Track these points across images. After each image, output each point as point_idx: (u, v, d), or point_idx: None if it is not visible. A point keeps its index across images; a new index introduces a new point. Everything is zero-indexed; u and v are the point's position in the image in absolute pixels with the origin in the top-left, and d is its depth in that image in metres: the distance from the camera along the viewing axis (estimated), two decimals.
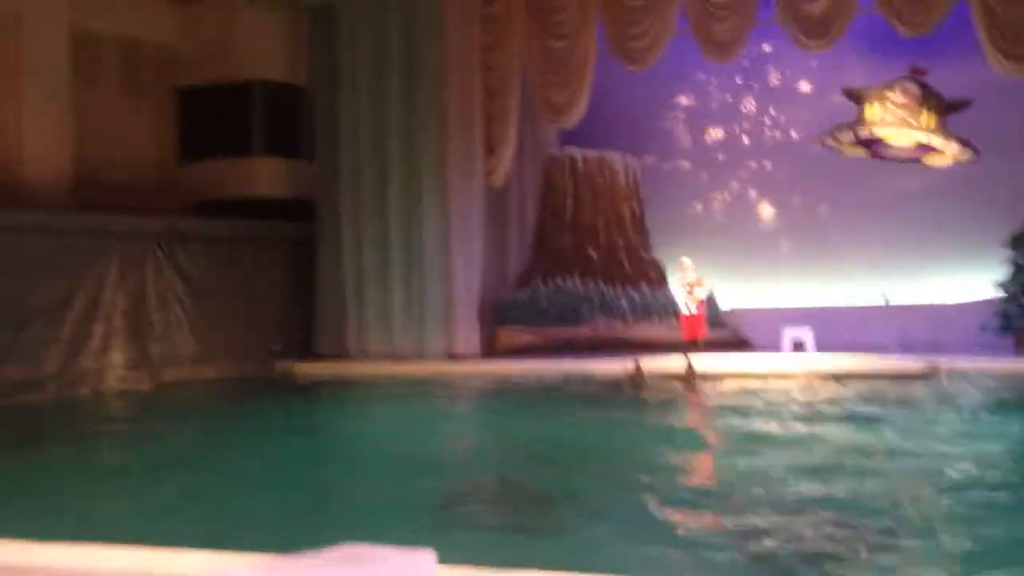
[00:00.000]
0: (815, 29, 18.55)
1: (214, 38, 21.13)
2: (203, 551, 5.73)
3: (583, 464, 10.23)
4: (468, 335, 20.38)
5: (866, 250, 20.60)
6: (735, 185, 22.29)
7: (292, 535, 7.47)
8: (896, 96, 20.17)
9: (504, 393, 16.60)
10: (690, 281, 18.28)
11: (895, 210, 20.50)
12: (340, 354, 20.63)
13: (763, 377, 16.57)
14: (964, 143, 19.82)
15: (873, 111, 20.48)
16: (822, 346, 18.42)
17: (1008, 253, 18.80)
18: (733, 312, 20.58)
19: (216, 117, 21.30)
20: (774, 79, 21.90)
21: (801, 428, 11.78)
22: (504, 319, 21.01)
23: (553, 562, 5.94)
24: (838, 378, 15.99)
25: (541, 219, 22.40)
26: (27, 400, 16.16)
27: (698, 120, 22.48)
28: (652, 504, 8.18)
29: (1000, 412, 13.09)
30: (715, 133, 22.42)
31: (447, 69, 20.19)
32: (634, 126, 22.24)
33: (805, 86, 21.75)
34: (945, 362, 16.53)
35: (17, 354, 16.41)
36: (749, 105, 22.14)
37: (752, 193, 22.18)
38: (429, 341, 20.15)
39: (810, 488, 8.56)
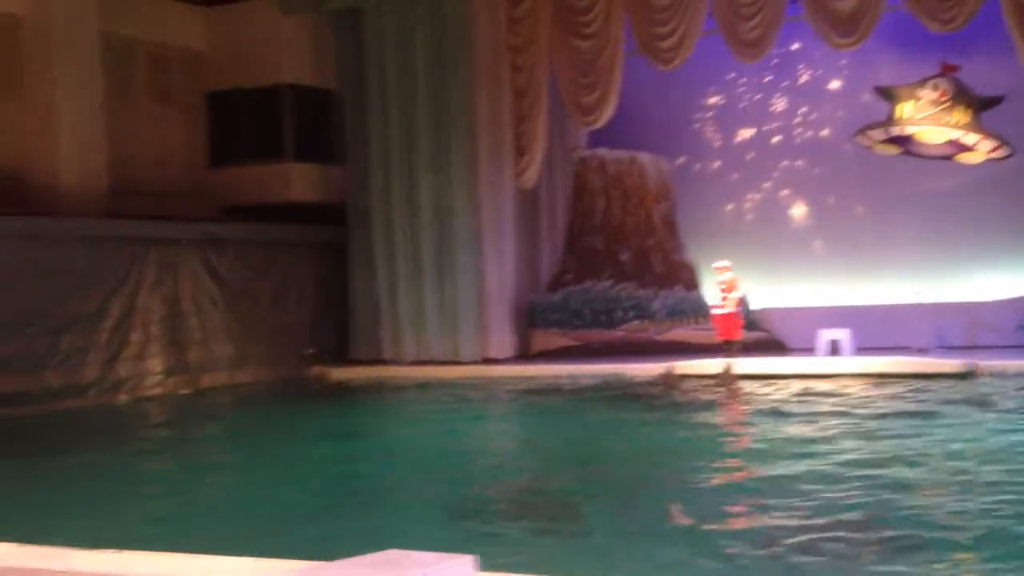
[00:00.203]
0: (844, 27, 18.40)
1: (243, 43, 21.24)
2: (242, 557, 5.74)
3: (616, 467, 10.21)
4: (501, 338, 20.37)
5: (901, 249, 20.39)
6: (767, 185, 22.12)
7: (330, 540, 7.50)
8: (928, 93, 20.00)
9: (538, 396, 16.58)
10: (724, 282, 18.18)
11: (929, 208, 20.28)
12: (374, 358, 20.69)
13: (799, 378, 16.44)
14: (998, 139, 19.62)
15: (905, 109, 20.32)
16: (858, 346, 18.24)
17: None
18: (767, 313, 20.42)
19: (246, 122, 21.43)
20: (804, 77, 21.72)
21: (839, 430, 11.69)
22: (537, 322, 21.00)
23: (584, 565, 5.93)
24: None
25: (572, 221, 22.34)
26: (67, 406, 16.31)
27: (728, 120, 22.33)
28: (684, 507, 8.14)
29: None
30: (745, 133, 22.27)
31: (475, 70, 20.20)
32: (664, 126, 22.13)
33: (835, 84, 21.56)
34: (983, 362, 16.35)
35: (56, 361, 16.57)
36: (779, 104, 21.97)
37: (784, 193, 22.00)
38: (463, 344, 20.16)
39: (849, 492, 8.48)
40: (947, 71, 19.84)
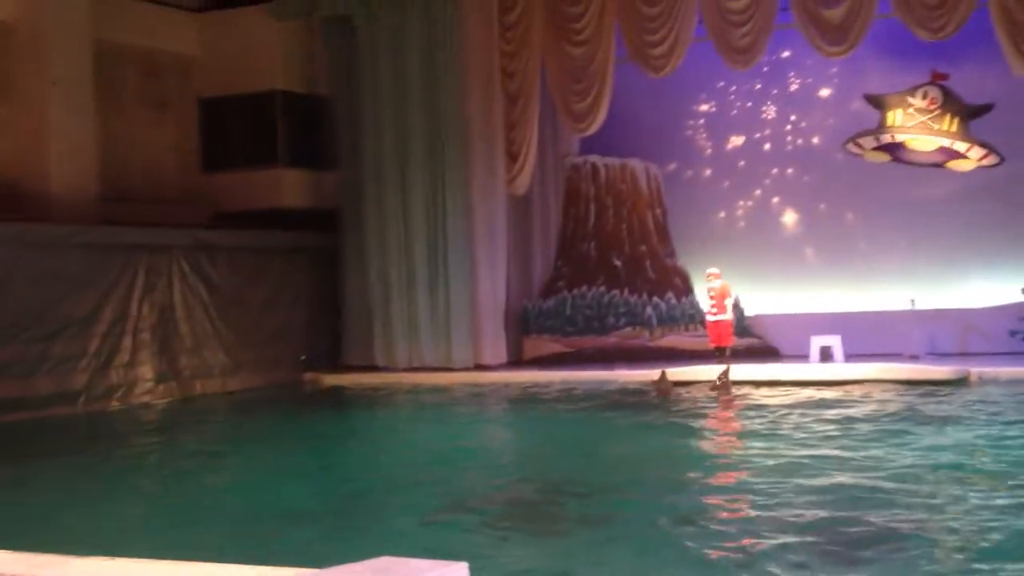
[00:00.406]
0: (834, 35, 18.46)
1: (235, 49, 21.24)
2: (234, 565, 5.73)
3: (609, 473, 10.22)
4: (494, 344, 20.39)
5: (892, 256, 20.46)
6: (758, 192, 22.17)
7: (323, 547, 7.50)
8: (918, 101, 20.12)
9: (531, 402, 16.59)
10: (715, 289, 18.21)
11: (920, 215, 20.35)
12: (367, 364, 20.68)
13: (792, 384, 16.48)
14: (987, 147, 19.73)
15: (895, 116, 20.43)
16: (850, 352, 18.30)
17: None
18: (759, 319, 20.47)
19: (238, 128, 21.43)
20: (795, 85, 21.79)
21: (827, 436, 11.72)
22: (530, 328, 21.05)
23: (576, 572, 5.95)
24: None
25: (564, 227, 22.37)
26: (57, 413, 16.27)
27: (719, 127, 22.39)
28: (672, 514, 8.17)
29: None
30: (736, 140, 22.33)
31: (467, 76, 20.24)
32: (655, 133, 22.17)
33: (826, 92, 21.63)
34: (975, 368, 16.41)
35: (47, 368, 16.53)
36: (770, 112, 22.04)
37: (775, 200, 22.06)
38: (456, 351, 20.18)
39: (840, 501, 8.52)
40: (937, 79, 19.95)
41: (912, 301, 19.25)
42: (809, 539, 7.24)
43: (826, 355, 18.31)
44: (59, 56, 18.36)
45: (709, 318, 18.52)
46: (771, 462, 10.21)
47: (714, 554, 7.00)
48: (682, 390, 16.60)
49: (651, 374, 17.40)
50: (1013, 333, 18.50)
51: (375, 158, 20.79)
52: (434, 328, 20.36)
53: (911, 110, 20.29)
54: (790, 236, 21.86)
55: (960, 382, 16.01)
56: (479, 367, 20.02)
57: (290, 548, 7.52)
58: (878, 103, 20.56)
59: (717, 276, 18.18)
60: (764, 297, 20.75)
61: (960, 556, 6.80)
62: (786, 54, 21.30)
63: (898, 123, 20.45)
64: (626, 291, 21.04)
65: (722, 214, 22.34)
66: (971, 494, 8.52)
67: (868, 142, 20.66)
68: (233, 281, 19.74)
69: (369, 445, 13.35)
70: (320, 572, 4.86)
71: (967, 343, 18.99)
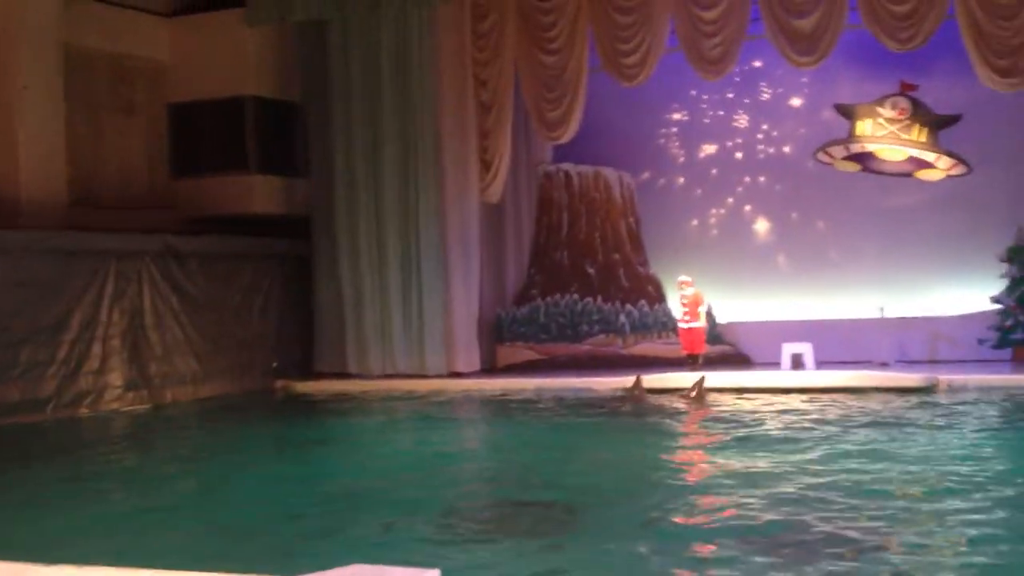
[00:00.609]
0: (804, 45, 18.59)
1: (206, 54, 21.07)
2: (203, 573, 5.67)
3: (579, 479, 10.23)
4: (468, 352, 20.35)
5: (863, 264, 20.61)
6: (730, 200, 22.29)
7: (293, 555, 7.45)
8: (887, 111, 20.34)
9: (504, 409, 16.58)
10: (689, 296, 18.30)
11: (891, 224, 20.52)
12: (340, 371, 20.58)
13: (764, 392, 16.56)
14: (955, 157, 19.95)
15: (864, 126, 20.64)
16: (821, 360, 18.41)
17: (1004, 267, 18.84)
18: (731, 327, 20.57)
19: (209, 133, 21.26)
20: (766, 95, 21.94)
21: (805, 442, 11.78)
22: (504, 336, 21.04)
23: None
24: None
25: (537, 235, 22.41)
26: (26, 421, 16.08)
27: (692, 136, 22.49)
28: (638, 522, 8.20)
29: (999, 425, 13.10)
30: (708, 149, 22.45)
31: (440, 84, 20.21)
32: (629, 142, 22.24)
33: (797, 102, 21.79)
34: (943, 376, 16.54)
35: (15, 375, 16.34)
36: (742, 121, 22.17)
37: (747, 208, 22.18)
38: (429, 358, 20.12)
39: (809, 504, 8.56)
40: (905, 90, 20.16)
41: (881, 309, 19.42)
42: (763, 546, 7.27)
43: (797, 363, 18.41)
44: (28, 61, 18.17)
45: (682, 326, 18.63)
46: (740, 470, 10.26)
47: (673, 562, 7.02)
48: (656, 397, 16.63)
49: (624, 381, 17.44)
50: (982, 341, 18.66)
51: (347, 165, 20.71)
52: (407, 335, 20.30)
53: (880, 120, 20.52)
54: (762, 244, 21.99)
55: (929, 390, 16.14)
56: (453, 374, 19.98)
57: (257, 558, 7.46)
58: (848, 113, 20.77)
59: (689, 284, 18.28)
60: (736, 305, 20.86)
61: (920, 565, 6.85)
62: (757, 64, 21.44)
63: (868, 133, 20.68)
64: (599, 299, 21.09)
65: (695, 222, 22.43)
66: (934, 503, 8.57)
67: (838, 151, 20.85)
68: (204, 287, 19.59)
69: (339, 453, 13.27)
70: None
71: (936, 351, 19.15)
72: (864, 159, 20.76)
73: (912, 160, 20.38)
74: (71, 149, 18.87)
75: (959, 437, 11.95)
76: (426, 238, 20.16)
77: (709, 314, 19.29)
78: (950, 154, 19.96)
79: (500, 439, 14.17)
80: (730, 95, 22.04)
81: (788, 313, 20.58)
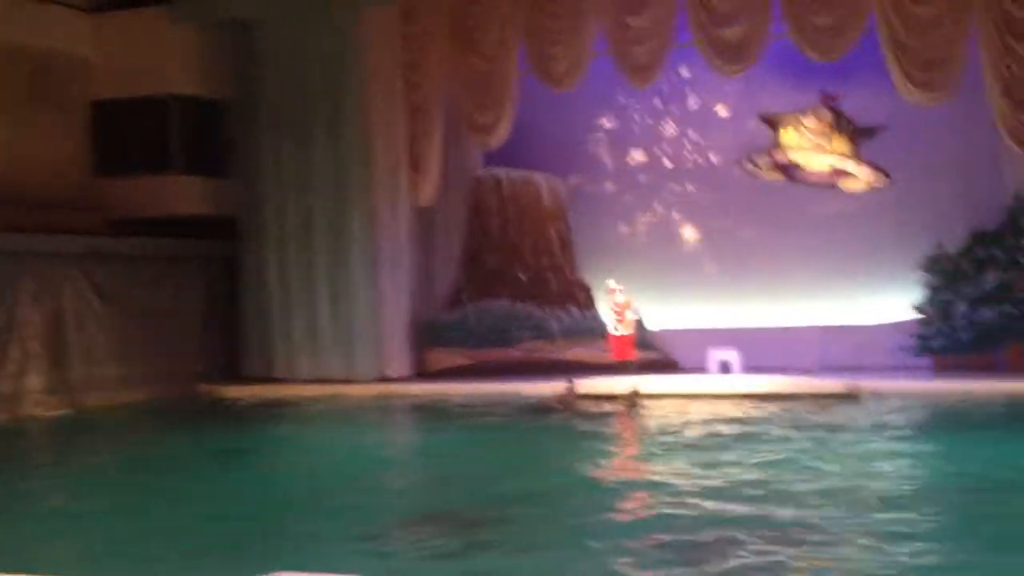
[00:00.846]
0: (731, 54, 18.92)
1: (131, 51, 20.61)
2: None
3: (510, 486, 10.23)
4: (398, 356, 20.25)
5: (788, 272, 20.95)
6: (659, 207, 22.52)
7: (217, 564, 7.33)
8: (809, 122, 20.73)
9: (434, 415, 16.53)
10: (618, 303, 18.44)
11: (815, 233, 20.91)
12: (267, 376, 20.30)
13: (694, 398, 16.76)
14: (876, 168, 20.41)
15: (788, 136, 21.00)
16: (748, 365, 18.70)
17: (922, 276, 19.32)
18: (660, 333, 20.77)
19: (133, 132, 20.81)
20: (693, 103, 22.21)
21: (730, 446, 11.96)
22: (434, 340, 20.91)
23: None
24: None
25: (468, 240, 22.38)
26: None
27: (621, 142, 22.68)
28: (574, 527, 8.24)
29: (919, 432, 13.46)
30: (637, 156, 22.65)
31: (369, 86, 20.07)
32: (559, 147, 22.35)
33: (723, 110, 22.08)
34: (865, 383, 16.91)
35: None
36: (669, 129, 22.42)
37: (676, 215, 22.43)
38: (358, 363, 19.95)
39: (738, 508, 8.70)
40: (827, 100, 20.56)
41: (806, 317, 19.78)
42: (684, 548, 7.43)
43: (725, 368, 18.67)
44: None
45: (612, 332, 18.76)
46: (665, 474, 10.37)
47: (599, 566, 7.11)
48: (587, 403, 16.72)
49: (556, 387, 17.49)
50: (903, 349, 19.10)
51: (275, 165, 20.45)
52: (336, 339, 20.10)
53: (803, 129, 20.90)
54: (690, 251, 22.25)
55: (851, 396, 16.48)
56: (382, 379, 19.84)
57: (180, 568, 7.33)
58: (772, 122, 21.09)
59: (619, 291, 18.42)
60: (665, 311, 21.08)
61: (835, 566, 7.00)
62: (685, 73, 21.71)
63: (791, 142, 21.03)
64: (531, 304, 21.12)
65: (624, 228, 22.61)
66: (851, 507, 8.74)
67: (763, 160, 21.18)
68: (127, 290, 19.21)
69: (264, 460, 13.08)
70: None
71: (860, 358, 19.53)
72: (789, 169, 21.13)
73: (836, 172, 20.80)
74: None
75: (880, 443, 12.24)
76: (356, 240, 20.00)
77: (638, 321, 19.45)
78: (872, 165, 20.43)
79: (429, 445, 14.14)
80: (658, 103, 22.27)
81: (716, 320, 20.87)
